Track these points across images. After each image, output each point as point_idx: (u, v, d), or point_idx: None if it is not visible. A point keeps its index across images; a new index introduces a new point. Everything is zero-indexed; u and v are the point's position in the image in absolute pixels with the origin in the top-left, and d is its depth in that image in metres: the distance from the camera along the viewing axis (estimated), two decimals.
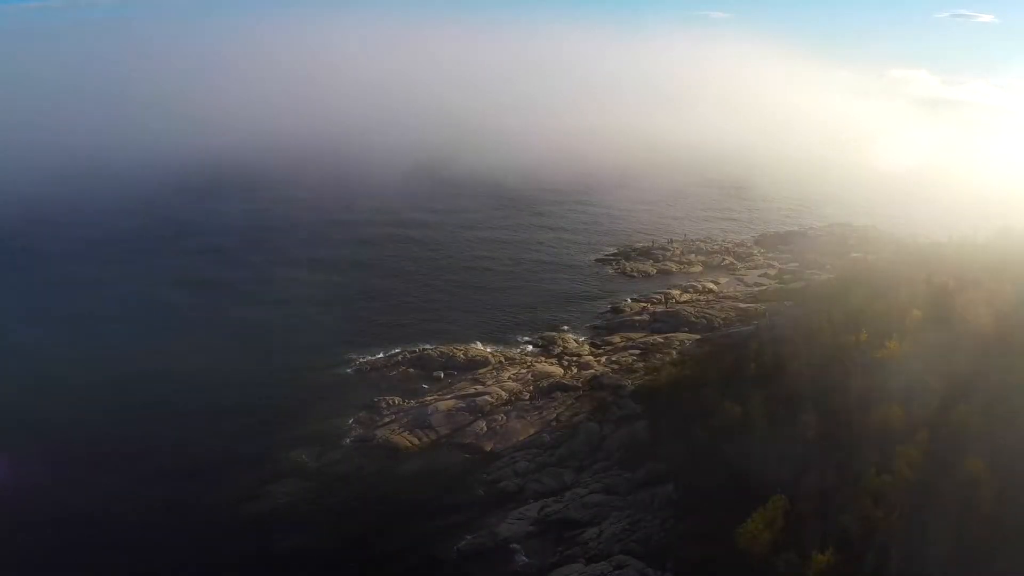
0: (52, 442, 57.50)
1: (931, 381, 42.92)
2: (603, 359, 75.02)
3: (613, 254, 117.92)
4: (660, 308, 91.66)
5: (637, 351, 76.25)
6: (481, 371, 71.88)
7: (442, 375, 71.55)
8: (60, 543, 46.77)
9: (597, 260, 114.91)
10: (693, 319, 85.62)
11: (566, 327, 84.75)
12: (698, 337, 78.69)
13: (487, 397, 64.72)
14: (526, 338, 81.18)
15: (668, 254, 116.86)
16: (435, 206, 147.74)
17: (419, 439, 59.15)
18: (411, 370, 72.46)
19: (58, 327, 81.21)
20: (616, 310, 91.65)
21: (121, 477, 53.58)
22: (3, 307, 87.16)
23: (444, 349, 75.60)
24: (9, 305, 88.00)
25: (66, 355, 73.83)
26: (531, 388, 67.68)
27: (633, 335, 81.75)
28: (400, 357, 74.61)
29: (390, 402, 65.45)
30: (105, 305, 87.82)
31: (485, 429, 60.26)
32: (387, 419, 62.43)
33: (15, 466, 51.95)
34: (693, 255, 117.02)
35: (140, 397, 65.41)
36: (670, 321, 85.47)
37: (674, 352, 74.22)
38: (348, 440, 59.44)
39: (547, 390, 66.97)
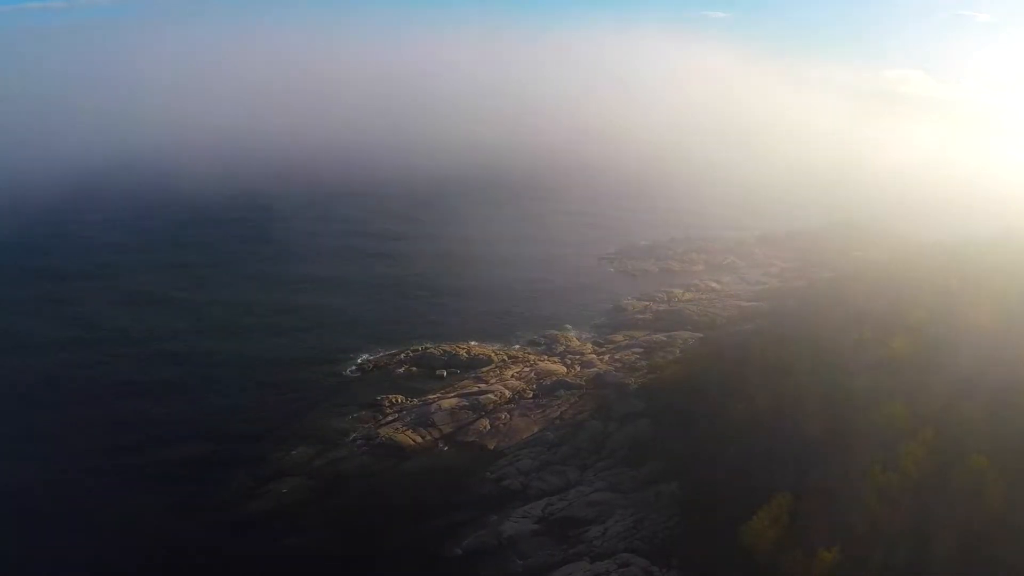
0: (51, 444, 57.57)
1: (934, 379, 42.94)
2: (606, 357, 75.01)
3: (615, 253, 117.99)
4: (663, 307, 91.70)
5: (640, 349, 76.20)
6: (484, 370, 71.85)
7: (445, 373, 71.49)
8: (60, 543, 46.71)
9: (600, 259, 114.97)
10: (696, 318, 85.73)
11: (569, 326, 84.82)
12: (701, 336, 78.71)
13: (490, 395, 64.67)
14: (529, 337, 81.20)
15: (670, 253, 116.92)
16: (427, 209, 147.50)
17: (422, 437, 59.06)
18: (414, 369, 72.46)
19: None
20: (619, 309, 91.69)
21: (122, 477, 53.51)
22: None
23: (447, 348, 75.56)
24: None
25: (67, 359, 73.89)
26: (534, 386, 67.66)
27: (636, 333, 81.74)
28: (403, 356, 74.57)
29: (393, 400, 65.40)
30: (106, 314, 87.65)
31: (488, 427, 60.19)
32: (390, 417, 62.38)
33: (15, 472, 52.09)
34: (695, 254, 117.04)
35: (141, 399, 65.36)
36: (673, 320, 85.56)
37: (677, 350, 74.20)
38: (351, 438, 59.32)
39: (550, 388, 66.93)
